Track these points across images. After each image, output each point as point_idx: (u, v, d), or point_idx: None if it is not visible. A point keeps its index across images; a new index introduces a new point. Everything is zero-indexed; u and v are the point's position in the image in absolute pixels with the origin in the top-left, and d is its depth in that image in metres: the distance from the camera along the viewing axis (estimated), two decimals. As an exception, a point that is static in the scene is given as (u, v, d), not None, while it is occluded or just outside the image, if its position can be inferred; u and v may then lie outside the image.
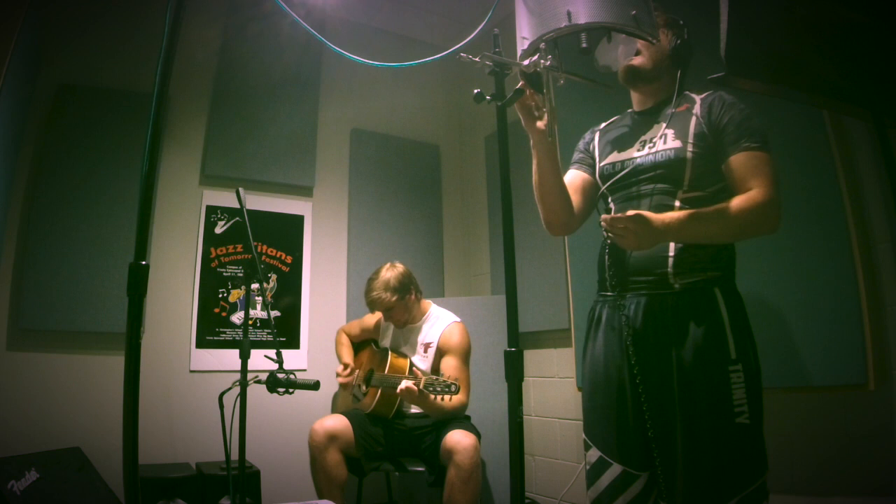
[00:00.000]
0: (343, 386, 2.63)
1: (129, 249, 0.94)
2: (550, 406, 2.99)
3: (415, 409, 2.49)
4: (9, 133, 2.34)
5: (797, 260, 1.87)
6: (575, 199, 1.56)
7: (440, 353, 2.51)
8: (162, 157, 2.87)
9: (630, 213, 1.33)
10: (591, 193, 1.62)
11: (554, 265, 2.96)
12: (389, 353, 2.57)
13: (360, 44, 3.00)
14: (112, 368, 2.66)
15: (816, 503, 1.83)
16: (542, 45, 1.21)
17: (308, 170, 3.35)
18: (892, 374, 1.71)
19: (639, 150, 1.49)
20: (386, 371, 2.50)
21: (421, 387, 2.20)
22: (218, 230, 3.06)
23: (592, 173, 1.62)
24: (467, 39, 1.36)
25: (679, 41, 1.48)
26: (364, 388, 2.59)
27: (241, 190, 2.00)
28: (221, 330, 2.97)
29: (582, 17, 1.15)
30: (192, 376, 2.87)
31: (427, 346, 2.55)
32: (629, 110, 1.63)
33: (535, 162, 1.47)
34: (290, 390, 1.89)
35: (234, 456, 1.87)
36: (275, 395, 1.91)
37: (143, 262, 0.94)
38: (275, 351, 1.92)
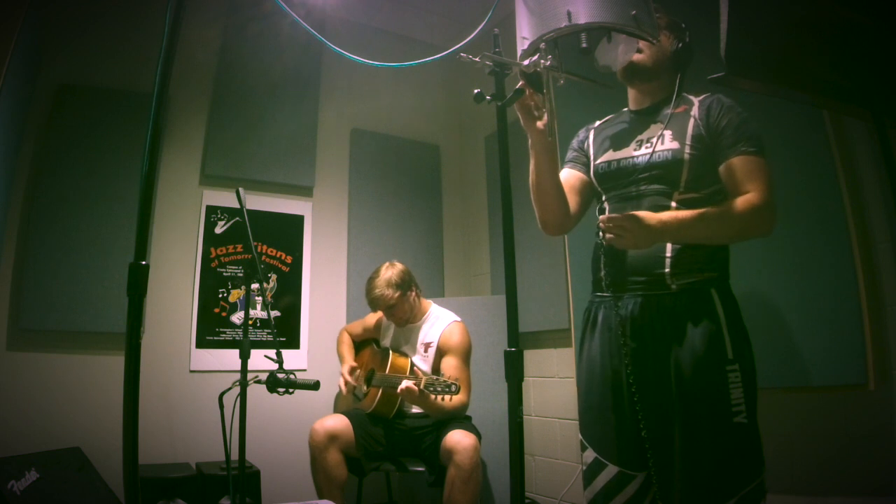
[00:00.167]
0: (344, 386, 2.64)
1: (129, 249, 0.94)
2: (550, 406, 2.99)
3: (415, 409, 2.49)
4: (9, 133, 2.34)
5: (797, 260, 1.87)
6: (570, 198, 1.56)
7: (440, 353, 2.51)
8: (162, 157, 2.88)
9: (626, 215, 1.33)
10: (586, 192, 1.61)
11: (554, 265, 2.96)
12: (390, 352, 2.57)
13: (360, 44, 3.00)
14: (112, 368, 2.66)
15: (816, 503, 1.83)
16: (542, 45, 1.21)
17: (308, 170, 3.35)
18: (892, 374, 1.71)
19: (636, 150, 1.49)
20: (387, 371, 2.50)
21: (422, 387, 2.20)
22: (218, 230, 3.06)
23: (587, 172, 1.61)
24: (467, 39, 1.36)
25: (681, 44, 1.49)
26: (365, 387, 2.59)
27: (241, 190, 2.00)
28: (221, 330, 2.97)
29: (582, 17, 1.15)
30: (192, 376, 2.87)
31: (427, 345, 2.56)
32: (624, 109, 1.63)
33: (532, 162, 1.47)
34: (290, 390, 1.89)
35: (234, 456, 1.87)
36: (275, 395, 1.91)
37: (143, 262, 0.94)
38: (275, 351, 1.92)
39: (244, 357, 1.94)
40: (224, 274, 3.03)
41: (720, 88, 1.21)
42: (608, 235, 1.35)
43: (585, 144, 1.65)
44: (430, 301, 2.72)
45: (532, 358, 3.06)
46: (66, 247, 2.63)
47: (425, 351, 2.55)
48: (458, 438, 2.23)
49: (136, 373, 0.90)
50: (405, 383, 2.26)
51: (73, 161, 2.71)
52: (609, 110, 1.67)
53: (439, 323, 2.58)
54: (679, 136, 1.42)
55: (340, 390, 2.67)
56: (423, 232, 3.67)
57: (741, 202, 1.32)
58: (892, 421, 1.68)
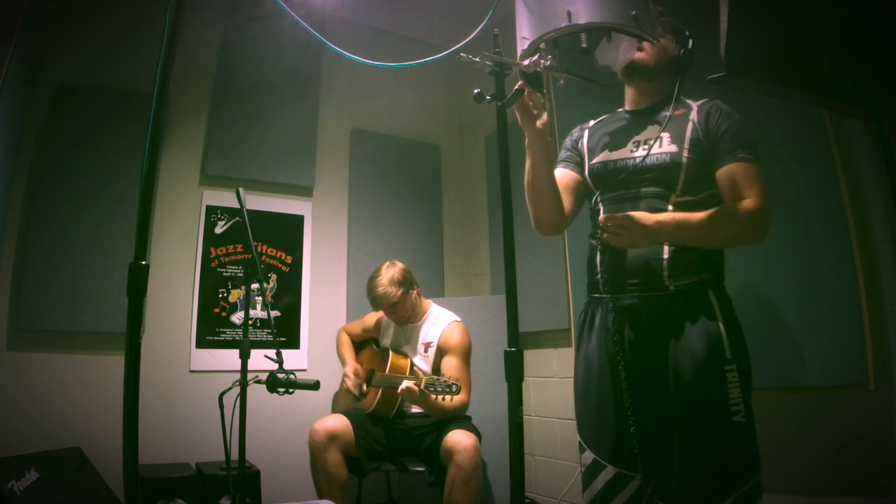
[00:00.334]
0: (347, 389, 2.63)
1: (129, 249, 0.94)
2: (550, 406, 2.99)
3: (415, 409, 2.49)
4: (9, 133, 2.34)
5: (797, 260, 1.87)
6: (564, 197, 1.55)
7: (441, 353, 2.51)
8: (162, 157, 2.88)
9: (620, 215, 1.34)
10: (580, 192, 1.61)
11: (554, 265, 2.96)
12: (390, 352, 2.57)
13: (360, 44, 3.00)
14: (112, 368, 2.66)
15: (816, 503, 1.83)
16: (542, 45, 1.21)
17: (308, 170, 3.35)
18: (892, 374, 1.71)
19: (633, 151, 1.49)
20: (387, 371, 2.50)
21: (422, 387, 2.20)
22: (218, 230, 3.06)
23: (580, 172, 1.60)
24: (467, 39, 1.36)
25: (682, 51, 1.50)
26: (365, 387, 2.59)
27: (241, 190, 2.00)
28: (221, 330, 2.97)
29: (582, 17, 1.15)
30: (192, 376, 2.87)
31: (427, 345, 2.56)
32: (620, 109, 1.63)
33: (528, 161, 1.47)
34: (290, 390, 1.89)
35: (234, 456, 1.87)
36: (275, 395, 1.91)
37: (143, 262, 0.94)
38: (275, 351, 1.92)
39: (244, 357, 1.94)
40: (224, 274, 3.03)
41: (720, 89, 1.21)
42: (605, 234, 1.36)
43: (580, 144, 1.64)
44: (430, 301, 2.72)
45: (532, 358, 3.06)
46: (66, 247, 2.63)
47: (425, 351, 2.56)
48: (458, 438, 2.23)
49: (136, 373, 0.90)
50: (405, 383, 2.26)
51: (73, 161, 2.71)
52: (608, 110, 1.67)
53: (439, 323, 2.58)
54: (677, 139, 1.43)
55: (345, 388, 2.67)
56: (423, 232, 3.67)
57: (739, 208, 1.34)
58: (892, 421, 1.68)
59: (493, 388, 2.85)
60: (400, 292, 2.49)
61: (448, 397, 2.26)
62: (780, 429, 1.90)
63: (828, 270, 1.80)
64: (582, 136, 1.65)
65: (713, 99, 1.47)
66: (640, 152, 1.47)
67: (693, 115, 1.45)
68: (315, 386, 1.88)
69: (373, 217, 3.52)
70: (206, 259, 3.00)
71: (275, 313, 3.12)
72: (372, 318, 2.81)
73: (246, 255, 3.06)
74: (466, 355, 2.50)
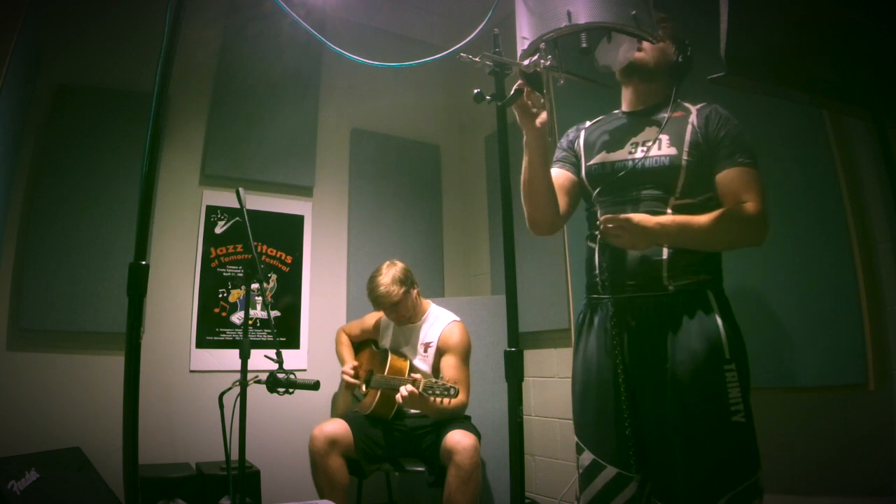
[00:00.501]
0: (347, 385, 2.63)
1: (129, 249, 0.94)
2: (550, 406, 2.99)
3: (414, 410, 2.49)
4: (9, 133, 2.34)
5: (797, 260, 1.87)
6: (559, 198, 1.55)
7: (440, 353, 2.51)
8: (162, 157, 2.87)
9: (622, 216, 1.34)
10: (575, 192, 1.61)
11: (554, 265, 2.96)
12: (389, 354, 2.57)
13: (360, 44, 3.00)
14: (112, 368, 2.66)
15: (816, 503, 1.83)
16: (542, 45, 1.21)
17: (308, 170, 3.35)
18: (892, 374, 1.71)
19: (630, 153, 1.48)
20: (386, 372, 2.50)
21: (420, 389, 2.19)
22: (218, 230, 3.06)
23: (576, 172, 1.60)
24: (467, 39, 1.36)
25: (681, 57, 1.50)
26: (364, 388, 2.59)
27: (241, 190, 2.00)
28: (221, 330, 2.97)
29: (582, 17, 1.15)
30: (192, 376, 2.87)
31: (427, 345, 2.55)
32: (616, 111, 1.63)
33: (525, 160, 1.47)
34: (290, 390, 1.89)
35: (234, 456, 1.87)
36: (275, 395, 1.91)
37: (143, 262, 0.94)
38: (275, 351, 1.92)
39: (244, 357, 1.94)
40: (224, 274, 3.03)
41: (719, 90, 1.21)
42: (605, 232, 1.35)
43: (576, 144, 1.64)
44: (429, 301, 2.72)
45: (532, 358, 3.06)
46: (66, 247, 2.63)
47: (425, 351, 2.55)
48: (457, 438, 2.23)
49: (136, 373, 0.90)
50: (403, 389, 2.25)
51: (73, 161, 2.71)
52: (608, 111, 1.67)
53: (439, 322, 2.58)
54: (676, 141, 1.43)
55: (344, 385, 2.66)
56: (423, 232, 3.67)
57: (739, 211, 1.34)
58: (892, 421, 1.68)
59: (493, 388, 2.85)
60: (402, 291, 2.49)
61: (446, 400, 2.25)
62: (780, 429, 1.90)
63: (828, 270, 1.80)
64: (578, 137, 1.64)
65: (712, 103, 1.47)
66: (639, 153, 1.46)
67: (692, 119, 1.45)
68: (315, 386, 1.88)
69: (373, 217, 3.52)
70: (206, 259, 3.00)
71: (275, 313, 3.12)
72: (371, 318, 2.81)
73: (246, 255, 3.06)
74: (465, 355, 2.50)
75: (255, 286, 2.76)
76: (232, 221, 3.09)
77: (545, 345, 3.04)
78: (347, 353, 2.79)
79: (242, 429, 1.89)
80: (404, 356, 2.57)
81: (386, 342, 2.68)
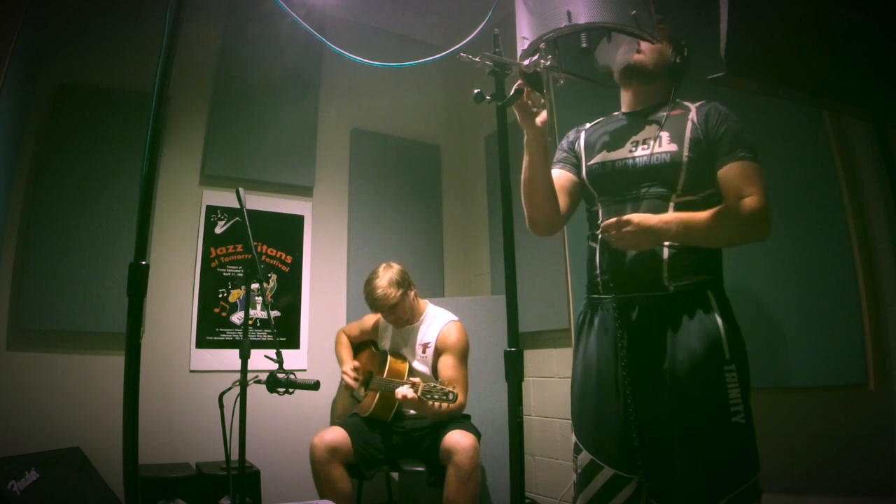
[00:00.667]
0: (346, 385, 2.63)
1: (129, 249, 0.94)
2: (550, 406, 2.99)
3: (413, 411, 2.49)
4: (9, 133, 2.34)
5: (797, 260, 1.87)
6: (559, 198, 1.55)
7: (438, 353, 2.51)
8: (162, 157, 2.87)
9: (625, 217, 1.34)
10: (576, 193, 1.61)
11: (554, 265, 2.96)
12: (388, 356, 2.57)
13: (360, 44, 3.00)
14: (112, 368, 2.66)
15: (816, 503, 1.83)
16: (542, 45, 1.21)
17: (308, 170, 3.35)
18: (892, 374, 1.71)
19: (631, 151, 1.49)
20: (385, 374, 2.49)
21: (419, 394, 2.19)
22: (218, 230, 3.06)
23: (577, 173, 1.60)
24: (467, 39, 1.36)
25: (679, 58, 1.51)
26: (363, 390, 2.59)
27: (241, 190, 2.00)
28: (221, 330, 2.97)
29: (582, 17, 1.15)
30: (192, 376, 2.87)
31: (425, 346, 2.55)
32: (616, 112, 1.63)
33: (526, 159, 1.47)
34: (290, 390, 1.89)
35: (234, 456, 1.87)
36: (275, 395, 1.91)
37: (143, 262, 0.94)
38: (275, 351, 1.92)
39: (244, 357, 1.94)
40: (224, 274, 3.03)
41: (719, 90, 1.21)
42: (611, 234, 1.35)
43: (576, 145, 1.64)
44: (426, 301, 2.71)
45: (532, 358, 3.06)
46: (66, 247, 2.63)
47: (423, 352, 2.55)
48: (457, 439, 2.23)
49: (136, 373, 0.90)
50: (402, 390, 2.24)
51: (73, 161, 2.71)
52: (608, 111, 1.67)
53: (437, 323, 2.58)
54: (677, 138, 1.43)
55: (343, 385, 2.66)
56: (423, 232, 3.67)
57: (742, 206, 1.34)
58: (892, 421, 1.68)
59: (493, 388, 2.85)
60: (399, 293, 2.48)
61: (445, 403, 2.24)
62: (780, 429, 1.90)
63: (828, 270, 1.80)
64: (579, 138, 1.65)
65: (711, 101, 1.47)
66: (640, 152, 1.46)
67: (692, 116, 1.45)
68: (315, 386, 1.88)
69: (373, 217, 3.52)
70: (206, 259, 3.00)
71: (275, 313, 3.12)
72: (370, 320, 2.81)
73: (246, 255, 3.06)
74: (463, 355, 2.50)
75: (255, 286, 2.76)
76: (232, 221, 3.09)
77: (545, 345, 3.04)
78: (347, 353, 2.79)
79: (242, 429, 1.89)
80: (403, 358, 2.57)
81: (385, 344, 2.68)
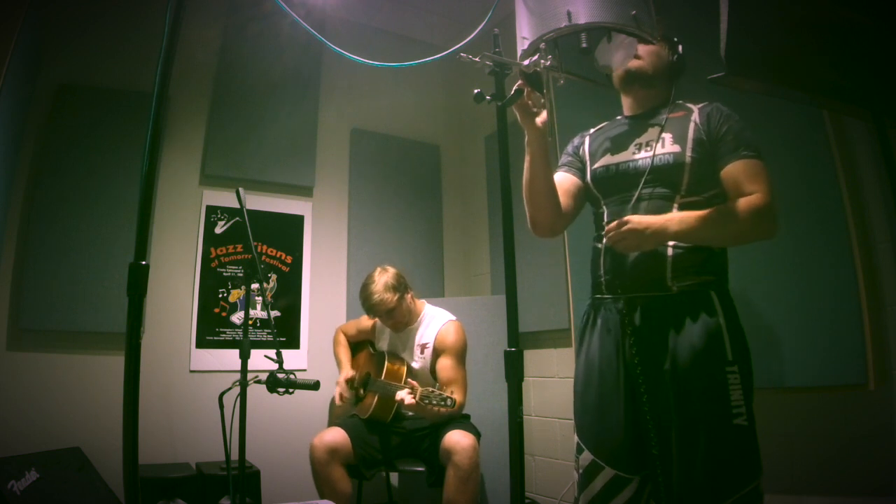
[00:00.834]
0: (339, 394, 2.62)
1: (129, 249, 0.94)
2: (550, 406, 2.99)
3: (412, 413, 2.48)
4: (9, 133, 2.34)
5: (797, 260, 1.87)
6: (563, 200, 1.56)
7: (436, 354, 2.50)
8: (162, 157, 2.87)
9: (625, 218, 1.34)
10: (580, 196, 1.61)
11: (554, 265, 2.96)
12: (386, 357, 2.56)
13: (360, 44, 3.00)
14: (112, 368, 2.66)
15: (816, 503, 1.83)
16: (542, 45, 1.21)
17: (308, 170, 3.35)
18: (892, 374, 1.71)
19: (635, 153, 1.49)
20: (383, 376, 2.48)
21: (417, 399, 2.18)
22: (218, 230, 3.06)
23: (582, 177, 1.61)
24: (467, 39, 1.36)
25: (675, 56, 1.51)
26: (362, 391, 2.58)
27: (241, 190, 2.00)
28: (221, 330, 2.97)
29: (582, 17, 1.15)
30: (192, 376, 2.87)
31: (423, 346, 2.54)
32: (618, 116, 1.63)
33: (527, 159, 1.47)
34: (290, 390, 1.89)
35: (234, 456, 1.87)
36: (275, 395, 1.91)
37: (143, 262, 0.94)
38: (275, 351, 1.92)
39: (244, 357, 1.94)
40: (224, 274, 3.03)
41: (720, 90, 1.21)
42: (613, 243, 1.35)
43: (581, 150, 1.65)
44: (422, 301, 2.69)
45: (532, 358, 3.06)
46: (66, 247, 2.63)
47: (421, 352, 2.54)
48: (457, 439, 2.23)
49: (136, 373, 0.90)
50: (400, 394, 2.24)
51: (73, 161, 2.71)
52: (609, 110, 1.67)
53: (434, 323, 2.57)
54: (680, 139, 1.43)
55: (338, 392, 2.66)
56: (423, 232, 3.66)
57: (745, 203, 1.33)
58: (892, 421, 1.68)
59: (493, 388, 2.85)
60: (396, 298, 2.46)
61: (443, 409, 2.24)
62: (780, 429, 1.90)
63: (828, 270, 1.80)
64: (583, 143, 1.66)
65: (713, 101, 1.47)
66: (643, 154, 1.47)
67: (694, 117, 1.45)
68: (315, 386, 1.88)
69: (373, 217, 3.52)
70: (206, 259, 3.00)
71: (275, 313, 3.12)
72: (368, 319, 2.80)
73: (246, 255, 3.06)
74: (461, 355, 2.49)
75: (255, 286, 2.76)
76: (232, 221, 3.09)
77: (545, 345, 3.04)
78: (345, 355, 2.77)
79: (242, 429, 1.89)
80: (401, 359, 2.56)
81: (383, 345, 2.67)
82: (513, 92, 1.29)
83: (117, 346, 2.62)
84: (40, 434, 2.42)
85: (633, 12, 1.18)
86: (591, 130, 1.68)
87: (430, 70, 2.62)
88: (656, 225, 1.34)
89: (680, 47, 1.52)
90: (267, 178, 3.22)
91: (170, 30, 1.02)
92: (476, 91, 1.24)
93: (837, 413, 1.81)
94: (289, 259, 3.22)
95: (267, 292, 3.12)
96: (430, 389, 2.18)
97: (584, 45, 1.21)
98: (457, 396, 2.30)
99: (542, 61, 1.22)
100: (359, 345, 2.84)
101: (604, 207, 1.54)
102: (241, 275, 3.04)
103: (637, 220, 1.33)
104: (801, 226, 1.85)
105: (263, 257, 3.14)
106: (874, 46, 1.28)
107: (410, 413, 2.48)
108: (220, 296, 3.00)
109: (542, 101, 1.37)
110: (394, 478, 3.09)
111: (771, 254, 1.89)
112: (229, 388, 1.90)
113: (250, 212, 2.21)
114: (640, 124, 1.53)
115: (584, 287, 1.59)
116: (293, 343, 3.16)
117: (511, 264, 1.19)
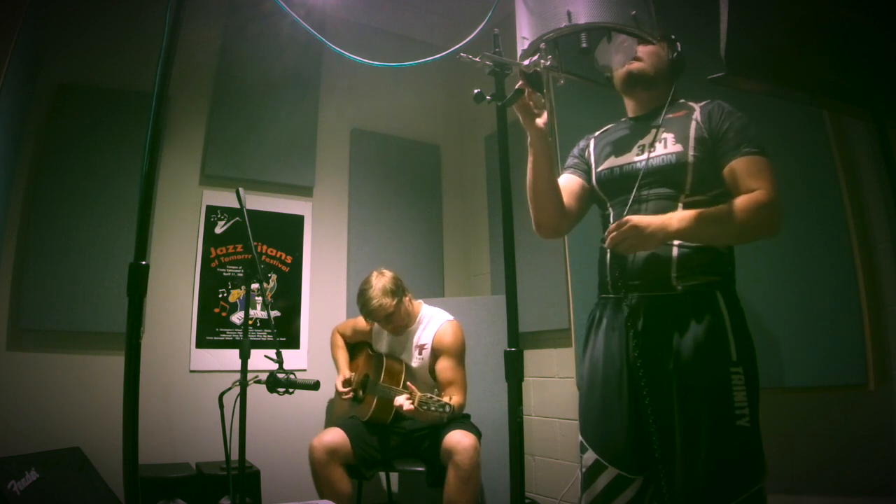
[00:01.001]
0: (341, 395, 2.62)
1: (129, 249, 0.94)
2: (550, 406, 2.99)
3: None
4: (9, 133, 2.34)
5: (797, 260, 1.87)
6: (567, 202, 1.56)
7: (435, 355, 2.49)
8: (162, 157, 2.87)
9: (624, 219, 1.34)
10: (585, 198, 1.62)
11: (554, 265, 2.96)
12: (385, 359, 2.55)
13: (360, 44, 3.00)
14: (112, 368, 2.66)
15: (816, 503, 1.83)
16: (542, 45, 1.21)
17: (308, 170, 3.35)
18: (892, 374, 1.71)
19: (638, 155, 1.49)
20: (382, 378, 2.48)
21: (416, 405, 2.17)
22: (218, 230, 3.06)
23: (587, 179, 1.61)
24: (467, 39, 1.36)
25: (675, 54, 1.51)
26: (361, 393, 2.58)
27: (241, 190, 2.00)
28: (221, 330, 2.97)
29: (582, 17, 1.15)
30: (192, 376, 2.87)
31: (422, 347, 2.54)
32: (622, 119, 1.64)
33: (530, 161, 1.47)
34: (290, 390, 1.89)
35: (234, 456, 1.87)
36: (275, 395, 1.91)
37: (143, 262, 0.94)
38: (275, 351, 1.92)
39: (244, 357, 1.94)
40: (224, 274, 3.03)
41: (720, 89, 1.21)
42: (614, 246, 1.35)
43: (586, 153, 1.65)
44: (420, 302, 2.68)
45: (532, 358, 3.06)
46: (66, 247, 2.63)
47: (420, 353, 2.53)
48: (457, 439, 2.23)
49: (136, 373, 0.90)
50: (399, 399, 2.23)
51: (73, 161, 2.71)
52: (609, 110, 1.68)
53: (433, 324, 2.56)
54: (682, 138, 1.43)
55: (336, 395, 2.65)
56: (423, 232, 3.66)
57: (748, 199, 1.32)
58: (892, 421, 1.68)
59: (493, 388, 2.85)
60: (394, 302, 2.44)
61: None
62: (781, 429, 1.90)
63: (828, 270, 1.80)
64: (588, 146, 1.66)
65: (715, 99, 1.47)
66: (646, 155, 1.46)
67: (696, 115, 1.45)
68: (315, 386, 1.88)
69: (373, 217, 3.52)
70: (206, 259, 3.00)
71: (275, 313, 3.12)
72: (365, 319, 2.79)
73: (246, 255, 3.06)
74: (460, 355, 2.48)
75: (255, 286, 2.76)
76: (232, 221, 3.09)
77: (545, 345, 3.04)
78: (342, 357, 2.77)
79: (242, 429, 1.89)
80: (400, 361, 2.55)
81: (381, 346, 2.66)
82: (513, 92, 1.29)
83: (117, 346, 2.62)
84: (40, 434, 2.42)
85: (633, 12, 1.18)
86: (597, 133, 1.68)
87: (430, 70, 2.62)
88: (656, 224, 1.33)
89: (679, 45, 1.52)
90: (267, 178, 3.22)
91: (170, 30, 1.02)
92: (476, 91, 1.24)
93: (837, 413, 1.81)
94: (289, 259, 3.22)
95: (267, 292, 3.12)
96: (429, 395, 2.16)
97: (584, 45, 1.21)
98: (456, 397, 2.29)
99: (543, 61, 1.22)
100: (357, 346, 2.83)
101: (610, 209, 1.54)
102: (241, 275, 3.04)
103: (637, 219, 1.33)
104: (801, 226, 1.85)
105: (263, 257, 3.14)
106: (874, 46, 1.28)
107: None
108: (220, 296, 3.00)
109: (543, 101, 1.37)
110: (394, 478, 3.09)
111: (771, 254, 1.89)
112: (229, 388, 1.90)
113: (250, 212, 2.21)
114: (642, 125, 1.53)
115: (584, 287, 1.59)
116: (293, 343, 3.16)
117: (511, 264, 1.19)
